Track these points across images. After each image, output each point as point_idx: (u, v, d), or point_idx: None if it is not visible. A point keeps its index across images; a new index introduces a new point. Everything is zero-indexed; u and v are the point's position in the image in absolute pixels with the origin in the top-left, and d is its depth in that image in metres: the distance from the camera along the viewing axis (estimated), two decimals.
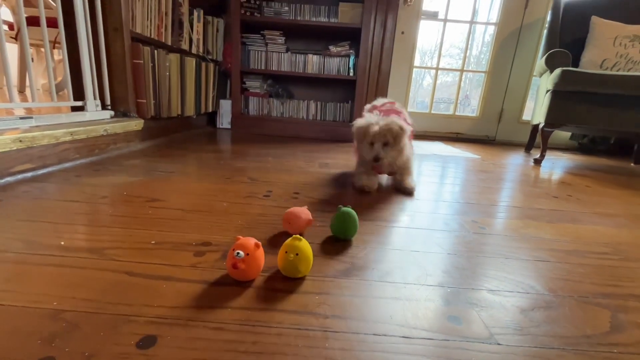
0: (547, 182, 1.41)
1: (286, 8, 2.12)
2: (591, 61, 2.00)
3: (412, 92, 2.78)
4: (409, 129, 1.04)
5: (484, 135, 2.81)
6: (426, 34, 2.75)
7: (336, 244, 0.65)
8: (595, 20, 2.02)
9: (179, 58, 1.68)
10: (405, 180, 1.07)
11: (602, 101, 1.64)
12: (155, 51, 1.47)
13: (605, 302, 0.52)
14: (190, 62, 1.80)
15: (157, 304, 0.43)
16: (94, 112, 1.25)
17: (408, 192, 1.06)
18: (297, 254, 0.50)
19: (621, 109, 1.62)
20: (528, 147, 2.41)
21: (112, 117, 1.33)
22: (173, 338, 0.37)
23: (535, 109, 2.16)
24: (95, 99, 1.26)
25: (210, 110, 2.20)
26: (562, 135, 2.71)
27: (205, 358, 0.35)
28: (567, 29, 2.13)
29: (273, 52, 2.20)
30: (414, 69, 2.70)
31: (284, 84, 2.45)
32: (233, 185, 1.00)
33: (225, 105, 2.34)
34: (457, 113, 2.78)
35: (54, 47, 2.06)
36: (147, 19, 1.44)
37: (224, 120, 2.37)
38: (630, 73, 1.62)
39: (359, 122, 1.05)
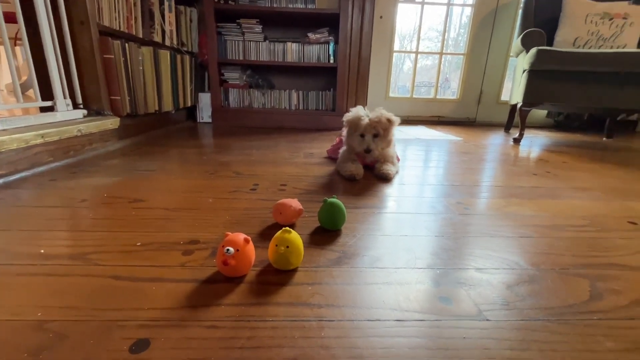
0: (526, 160, 1.45)
1: None
2: (565, 40, 2.05)
3: (393, 76, 2.78)
4: (397, 120, 1.07)
5: (464, 117, 2.85)
6: (404, 18, 2.74)
7: (326, 234, 0.65)
8: None
9: (152, 51, 1.61)
10: (384, 167, 1.09)
11: (576, 78, 1.69)
12: (127, 45, 1.41)
13: (585, 272, 0.55)
14: (165, 55, 1.73)
15: (148, 307, 0.42)
16: (65, 112, 1.19)
17: (386, 177, 1.07)
18: (287, 247, 0.50)
19: (594, 86, 1.67)
20: (507, 127, 2.47)
21: (85, 117, 1.28)
22: (166, 340, 0.37)
23: (513, 89, 2.20)
24: (65, 98, 1.20)
25: (189, 104, 2.13)
26: (539, 113, 2.79)
27: (200, 357, 0.35)
28: (541, 9, 2.16)
29: (250, 41, 2.15)
30: (394, 54, 2.69)
31: (263, 74, 2.40)
32: (218, 180, 0.98)
33: (205, 99, 2.28)
34: (438, 96, 2.80)
35: (15, 44, 1.94)
36: (115, 11, 1.37)
37: (204, 114, 2.31)
38: (601, 50, 1.67)
39: (349, 114, 1.08)
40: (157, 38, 1.73)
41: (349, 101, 2.64)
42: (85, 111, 1.28)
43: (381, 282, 0.50)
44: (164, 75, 1.73)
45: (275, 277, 0.50)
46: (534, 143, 1.98)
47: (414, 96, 2.79)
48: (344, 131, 1.14)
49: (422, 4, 2.61)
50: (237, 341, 0.37)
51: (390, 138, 1.09)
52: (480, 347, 0.38)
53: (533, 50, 1.74)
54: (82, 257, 0.53)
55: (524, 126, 1.90)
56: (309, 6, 2.09)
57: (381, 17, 2.57)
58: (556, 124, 2.81)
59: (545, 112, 2.77)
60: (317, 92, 2.31)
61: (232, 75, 2.24)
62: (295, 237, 0.51)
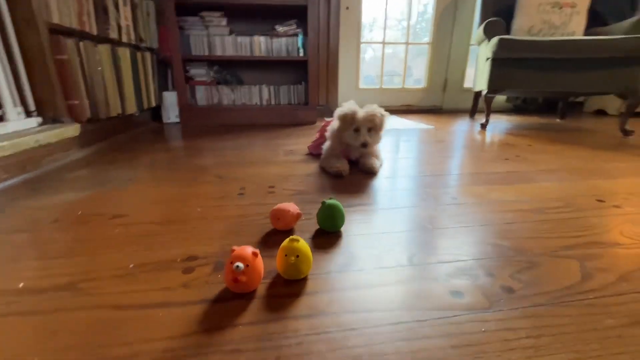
0: (496, 146, 1.53)
1: None
2: (520, 28, 2.16)
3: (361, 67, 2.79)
4: (388, 115, 1.10)
5: (432, 105, 2.94)
6: (368, 8, 2.74)
7: (327, 236, 0.65)
8: None
9: (110, 49, 1.49)
10: (369, 161, 1.10)
11: (535, 65, 1.80)
12: (81, 43, 1.28)
13: (572, 254, 0.59)
14: (124, 53, 1.61)
15: (159, 337, 0.39)
16: (17, 121, 1.07)
17: (372, 171, 1.08)
18: (297, 256, 0.49)
19: (551, 72, 1.79)
20: (472, 113, 2.58)
21: (40, 125, 1.16)
22: None
23: (477, 76, 2.30)
24: (15, 105, 1.07)
25: (153, 104, 2.01)
26: (499, 98, 2.94)
27: None
28: None
29: (215, 35, 2.05)
30: (362, 45, 2.70)
31: (231, 69, 2.31)
32: (201, 186, 0.94)
33: (170, 98, 2.15)
34: (406, 86, 2.87)
35: None
36: (65, 6, 1.23)
37: (171, 113, 2.19)
38: (556, 38, 1.78)
39: (341, 109, 1.07)
40: (114, 34, 1.59)
41: (320, 94, 2.63)
42: (40, 119, 1.16)
43: (392, 283, 0.50)
44: (125, 75, 1.61)
45: (287, 289, 0.49)
46: (498, 128, 2.10)
47: (383, 87, 2.83)
48: (333, 125, 1.12)
49: None
50: None
51: (381, 133, 1.11)
52: (501, 339, 0.39)
53: (495, 40, 1.82)
54: (70, 287, 0.48)
55: (489, 112, 2.00)
56: None
57: (347, 8, 2.56)
58: (515, 108, 2.99)
59: (504, 97, 2.93)
60: (288, 86, 2.27)
61: (198, 72, 2.13)
62: (304, 245, 0.50)
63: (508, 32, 2.17)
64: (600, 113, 2.81)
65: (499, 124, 2.28)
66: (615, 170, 1.13)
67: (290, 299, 0.46)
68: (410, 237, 0.65)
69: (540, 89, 1.84)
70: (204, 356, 0.37)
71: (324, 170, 1.10)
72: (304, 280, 0.51)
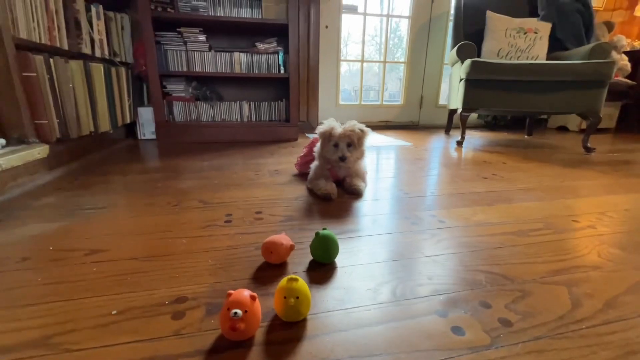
0: (473, 164, 1.59)
1: (204, 2, 1.94)
2: (490, 51, 2.29)
3: (336, 83, 2.84)
4: (369, 132, 1.10)
5: (409, 121, 3.03)
6: (346, 27, 2.81)
7: (322, 268, 0.63)
8: (489, 14, 2.31)
9: (83, 65, 1.41)
10: (355, 182, 1.10)
11: (504, 86, 1.90)
12: (51, 60, 1.21)
13: (559, 279, 0.61)
14: (97, 69, 1.54)
15: None
16: None
17: (357, 193, 1.08)
18: (297, 297, 0.47)
19: (519, 92, 1.90)
20: (447, 129, 2.69)
21: (4, 147, 1.07)
22: None
23: (451, 95, 2.40)
24: None
25: (128, 121, 1.92)
26: (472, 116, 3.08)
27: None
28: (468, 21, 2.40)
29: (194, 51, 2.01)
30: (341, 62, 2.75)
31: (211, 85, 2.27)
32: (184, 214, 0.90)
33: (145, 114, 2.07)
34: (384, 102, 2.94)
35: None
36: (34, 21, 1.17)
37: (146, 130, 2.11)
38: (521, 62, 1.90)
39: (321, 127, 1.09)
40: (86, 49, 1.52)
41: (301, 111, 2.64)
42: (3, 140, 1.07)
43: (391, 320, 0.49)
44: (98, 91, 1.53)
45: (286, 333, 0.46)
46: (473, 144, 2.19)
47: (362, 103, 2.89)
48: (317, 145, 1.13)
49: (365, 15, 2.71)
50: None
51: (363, 149, 1.11)
52: None
53: (468, 62, 1.91)
54: (45, 342, 0.44)
55: (464, 130, 2.09)
56: (256, 16, 2.03)
57: (327, 27, 2.61)
58: (485, 124, 3.14)
59: (476, 114, 3.08)
60: (269, 103, 2.26)
61: (176, 88, 2.08)
62: (303, 285, 0.48)
63: (479, 54, 2.29)
64: (562, 129, 3.02)
65: (473, 140, 2.38)
66: (584, 188, 1.20)
67: (292, 345, 0.44)
68: (403, 265, 0.65)
69: (509, 108, 1.94)
70: None
71: (311, 191, 1.09)
72: (303, 321, 0.49)
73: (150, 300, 0.53)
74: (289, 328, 0.47)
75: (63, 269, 0.61)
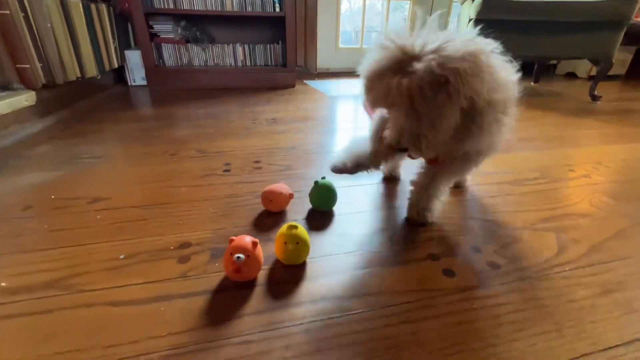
0: None
1: None
2: None
3: (335, 23, 2.64)
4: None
5: None
6: None
7: (321, 216, 0.65)
8: None
9: (59, 1, 1.29)
10: (421, 199, 0.62)
11: (517, 28, 1.78)
12: None
13: (549, 226, 0.63)
14: (76, 6, 1.41)
15: (166, 332, 0.39)
16: None
17: (416, 222, 0.63)
18: (297, 243, 0.49)
19: (532, 34, 1.78)
20: None
21: None
22: None
23: None
24: None
25: (115, 65, 1.82)
26: None
27: None
28: None
29: None
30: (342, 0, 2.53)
31: (201, 25, 2.10)
32: (182, 162, 0.89)
33: (133, 58, 1.95)
34: None
35: None
36: None
37: (136, 75, 2.01)
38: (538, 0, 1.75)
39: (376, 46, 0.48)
40: None
41: (298, 55, 2.49)
42: None
43: (387, 265, 0.52)
44: (80, 32, 1.42)
45: (287, 274, 0.49)
46: None
47: (363, 46, 2.72)
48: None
49: None
50: (275, 353, 0.37)
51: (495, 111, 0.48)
52: (490, 315, 0.43)
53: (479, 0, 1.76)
54: (59, 284, 0.46)
55: None
56: None
57: None
58: None
59: None
60: (264, 46, 2.12)
61: (164, 28, 1.93)
62: (303, 232, 0.50)
63: None
64: (571, 75, 2.89)
65: None
66: (584, 137, 1.19)
67: (292, 286, 0.47)
68: (400, 214, 0.66)
69: (520, 52, 1.84)
70: (215, 350, 0.37)
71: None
72: (303, 264, 0.51)
73: (156, 246, 0.55)
74: (289, 270, 0.50)
75: (67, 217, 0.63)
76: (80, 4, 1.44)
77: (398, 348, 0.38)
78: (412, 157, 0.59)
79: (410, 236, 0.59)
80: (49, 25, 1.23)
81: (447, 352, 0.38)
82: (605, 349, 0.38)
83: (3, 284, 0.46)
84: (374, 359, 0.37)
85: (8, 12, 1.04)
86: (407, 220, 0.63)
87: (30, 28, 1.13)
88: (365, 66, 0.46)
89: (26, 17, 1.11)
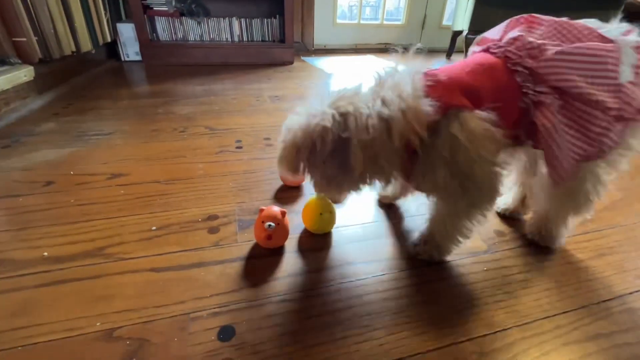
0: None
1: None
2: None
3: None
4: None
5: (408, 43, 2.86)
6: None
7: None
8: None
9: None
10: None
11: (517, 4, 1.77)
12: None
13: None
14: None
15: (210, 294, 0.43)
16: None
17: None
18: (330, 212, 0.52)
19: (534, 12, 1.79)
20: (449, 54, 2.57)
21: None
22: (249, 322, 0.39)
23: (457, 14, 2.23)
24: None
25: (108, 39, 1.76)
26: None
27: (289, 331, 0.38)
28: None
29: None
30: None
31: None
32: (194, 140, 0.90)
33: (126, 31, 1.88)
34: (384, 22, 2.73)
35: None
36: None
37: (129, 50, 1.94)
38: None
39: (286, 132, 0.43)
40: None
41: (295, 30, 2.43)
42: None
43: (409, 231, 0.56)
44: (72, 4, 1.37)
45: (315, 242, 0.53)
46: None
47: (361, 22, 2.67)
48: None
49: None
50: (313, 309, 0.41)
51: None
52: (499, 275, 0.48)
53: None
54: (99, 253, 0.49)
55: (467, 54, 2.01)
56: None
57: None
58: None
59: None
60: (261, 20, 2.06)
61: (157, 0, 1.86)
62: (330, 201, 0.54)
63: None
64: None
65: None
66: None
67: (321, 252, 0.51)
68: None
69: None
70: (258, 308, 0.41)
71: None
72: (328, 233, 0.55)
73: (184, 218, 0.57)
74: (316, 238, 0.54)
75: (91, 192, 0.64)
76: None
77: (420, 304, 0.43)
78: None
79: (420, 207, 0.63)
80: None
81: (462, 307, 0.43)
82: (598, 302, 0.44)
83: (45, 254, 0.48)
84: (401, 314, 0.41)
85: None
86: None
87: (24, 0, 1.09)
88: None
89: None
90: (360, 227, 0.57)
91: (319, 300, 0.42)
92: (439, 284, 0.46)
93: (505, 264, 0.50)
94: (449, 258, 0.50)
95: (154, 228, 0.55)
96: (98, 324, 0.38)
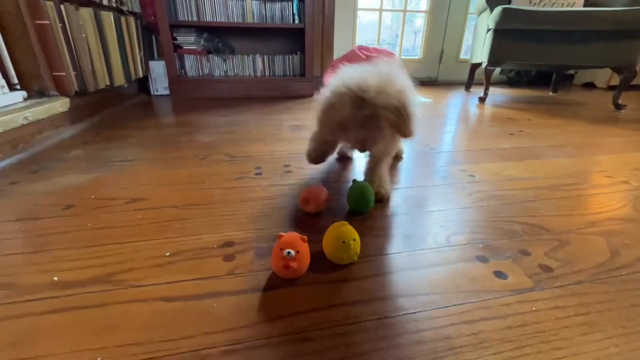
0: (498, 120, 1.54)
1: None
2: None
3: (350, 35, 2.68)
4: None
5: (427, 76, 2.90)
6: None
7: (360, 218, 0.64)
8: None
9: (93, 13, 1.35)
10: (377, 182, 0.73)
11: (535, 37, 1.78)
12: (62, 6, 1.15)
13: (596, 230, 0.61)
14: (108, 18, 1.46)
15: (222, 328, 0.39)
16: (1, 95, 0.97)
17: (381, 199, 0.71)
18: (354, 240, 0.48)
19: (550, 44, 1.78)
20: (468, 86, 2.57)
21: (25, 99, 1.06)
22: None
23: (475, 48, 2.26)
24: None
25: (140, 75, 1.88)
26: (495, 71, 2.93)
27: None
28: None
29: None
30: (358, 11, 2.58)
31: (222, 37, 2.16)
32: (213, 166, 0.90)
33: (157, 68, 2.01)
34: (402, 57, 2.80)
35: None
36: None
37: (159, 85, 2.06)
38: (560, 9, 1.75)
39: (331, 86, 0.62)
40: None
41: (314, 66, 2.52)
42: (24, 93, 1.06)
43: (437, 264, 0.51)
44: (110, 42, 1.48)
45: (336, 274, 0.48)
46: (495, 100, 2.10)
47: None
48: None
49: None
50: (337, 351, 0.36)
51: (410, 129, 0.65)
52: (552, 317, 0.41)
53: (498, 9, 1.77)
54: (109, 279, 0.46)
55: (488, 85, 2.00)
56: None
57: None
58: (508, 80, 3.00)
59: (498, 69, 2.92)
60: (283, 57, 2.16)
61: (187, 40, 1.99)
62: (354, 230, 0.50)
63: (509, 2, 2.12)
64: (589, 85, 2.86)
65: (495, 96, 2.28)
66: (614, 145, 1.17)
67: (344, 284, 0.46)
68: (439, 217, 0.65)
69: (539, 61, 1.83)
70: (275, 347, 0.36)
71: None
72: (349, 264, 0.51)
73: (199, 244, 0.55)
74: (337, 269, 0.49)
75: (109, 216, 0.63)
76: (112, 17, 1.50)
77: (460, 348, 0.37)
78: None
79: (452, 237, 0.58)
80: (83, 35, 1.28)
81: (512, 355, 0.36)
82: None
83: (55, 279, 0.46)
84: (437, 359, 0.35)
85: (47, 22, 1.08)
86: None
87: (67, 38, 1.18)
88: (329, 100, 0.61)
89: (63, 28, 1.16)
90: (386, 257, 0.52)
91: (342, 340, 0.37)
92: (480, 325, 0.40)
93: (557, 304, 0.43)
94: (489, 295, 0.44)
95: (167, 253, 0.52)
96: (99, 358, 0.35)
